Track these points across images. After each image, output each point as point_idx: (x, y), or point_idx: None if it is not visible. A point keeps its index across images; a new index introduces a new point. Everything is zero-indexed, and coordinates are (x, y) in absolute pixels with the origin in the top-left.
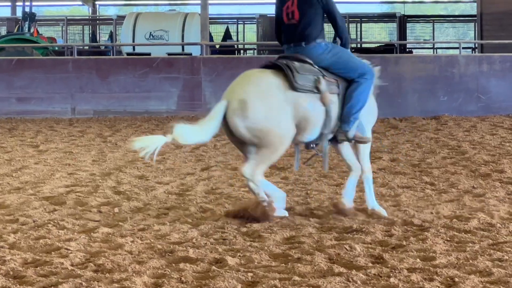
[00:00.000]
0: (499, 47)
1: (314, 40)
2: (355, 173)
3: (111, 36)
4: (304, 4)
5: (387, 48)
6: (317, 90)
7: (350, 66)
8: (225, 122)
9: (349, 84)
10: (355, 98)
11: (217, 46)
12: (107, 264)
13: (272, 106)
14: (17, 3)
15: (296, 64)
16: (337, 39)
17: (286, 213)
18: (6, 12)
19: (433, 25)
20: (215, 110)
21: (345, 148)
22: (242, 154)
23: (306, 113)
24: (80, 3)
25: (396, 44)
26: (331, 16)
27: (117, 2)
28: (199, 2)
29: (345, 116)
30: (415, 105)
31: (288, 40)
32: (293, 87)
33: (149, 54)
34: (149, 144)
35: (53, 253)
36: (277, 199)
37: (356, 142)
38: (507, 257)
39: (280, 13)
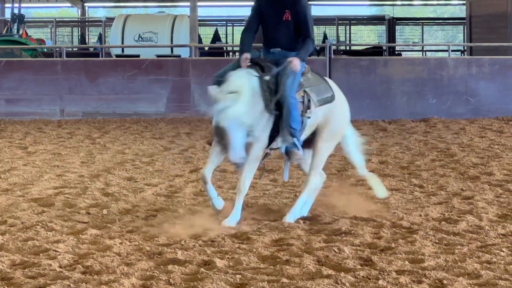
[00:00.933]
0: (488, 49)
1: None
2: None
3: (100, 38)
4: None
5: (375, 51)
6: None
7: None
8: None
9: None
10: None
11: (206, 48)
12: (96, 266)
13: None
14: (6, 5)
15: None
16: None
17: None
18: None
19: (422, 27)
20: None
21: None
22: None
23: None
24: (69, 5)
25: (385, 47)
26: None
27: (106, 4)
28: (188, 4)
29: None
30: (404, 107)
31: None
32: None
33: (138, 56)
34: None
35: (41, 254)
36: None
37: None
38: (496, 260)
39: None
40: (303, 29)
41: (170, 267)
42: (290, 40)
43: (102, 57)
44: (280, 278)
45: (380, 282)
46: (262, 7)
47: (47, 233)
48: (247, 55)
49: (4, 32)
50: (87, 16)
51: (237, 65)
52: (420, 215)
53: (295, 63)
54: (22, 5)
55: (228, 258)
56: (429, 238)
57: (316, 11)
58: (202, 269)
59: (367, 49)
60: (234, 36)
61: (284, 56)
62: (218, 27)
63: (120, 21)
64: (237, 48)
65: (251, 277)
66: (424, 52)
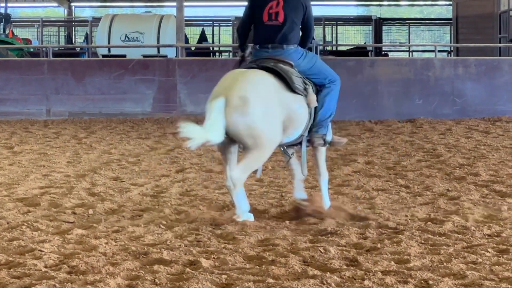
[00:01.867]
0: (475, 50)
1: (294, 44)
2: (324, 177)
3: (87, 38)
4: (290, 7)
5: (358, 51)
6: (306, 91)
7: (323, 72)
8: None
9: (317, 89)
10: (328, 102)
11: (193, 48)
12: (81, 266)
13: (269, 106)
14: None
15: (285, 67)
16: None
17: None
18: None
19: (409, 28)
20: (214, 108)
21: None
22: (223, 156)
23: (294, 114)
24: (56, 4)
25: (371, 47)
26: (308, 24)
27: (93, 3)
28: (175, 4)
29: (321, 120)
30: (390, 108)
31: (265, 40)
32: (291, 88)
33: (125, 56)
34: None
35: (26, 254)
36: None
37: (331, 145)
38: (481, 260)
39: (260, 13)
40: None
41: (155, 267)
42: None
43: (88, 57)
44: (265, 278)
45: (366, 282)
46: None
47: (32, 233)
48: None
49: None
50: (73, 16)
51: None
52: (406, 216)
53: None
54: (9, 4)
55: (213, 258)
56: (415, 239)
57: None
58: (187, 269)
59: (352, 49)
60: (220, 36)
61: None
62: (204, 27)
63: (106, 21)
64: (224, 48)
65: (237, 277)
66: (410, 53)
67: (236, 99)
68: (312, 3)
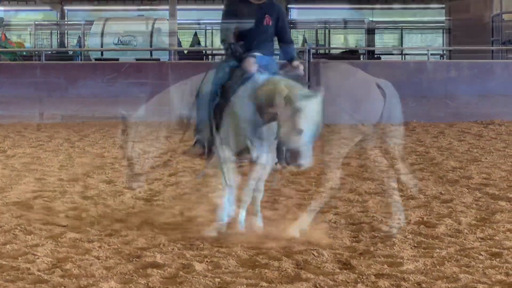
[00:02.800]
0: (467, 53)
1: None
2: None
3: (80, 41)
4: None
5: (351, 55)
6: None
7: None
8: None
9: None
10: None
11: (185, 52)
12: (74, 270)
13: None
14: None
15: None
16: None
17: None
18: None
19: (402, 31)
20: None
21: None
22: None
23: None
24: (49, 8)
25: (364, 51)
26: None
27: (86, 7)
28: (168, 8)
29: None
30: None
31: None
32: None
33: (117, 59)
34: None
35: (20, 258)
36: None
37: None
38: (474, 263)
39: None
40: (286, 34)
41: (149, 270)
42: (268, 45)
43: (81, 60)
44: (259, 282)
45: (359, 285)
46: (237, 11)
47: (25, 237)
48: (254, 59)
49: None
50: (66, 19)
51: (227, 72)
52: (399, 219)
53: (302, 68)
54: (1, 8)
55: (207, 261)
56: (408, 242)
57: (295, 15)
58: (181, 273)
59: (344, 53)
60: (213, 39)
61: (268, 61)
62: (197, 30)
63: (99, 24)
64: (216, 52)
65: (230, 281)
66: (403, 56)
67: None
68: (305, 6)
